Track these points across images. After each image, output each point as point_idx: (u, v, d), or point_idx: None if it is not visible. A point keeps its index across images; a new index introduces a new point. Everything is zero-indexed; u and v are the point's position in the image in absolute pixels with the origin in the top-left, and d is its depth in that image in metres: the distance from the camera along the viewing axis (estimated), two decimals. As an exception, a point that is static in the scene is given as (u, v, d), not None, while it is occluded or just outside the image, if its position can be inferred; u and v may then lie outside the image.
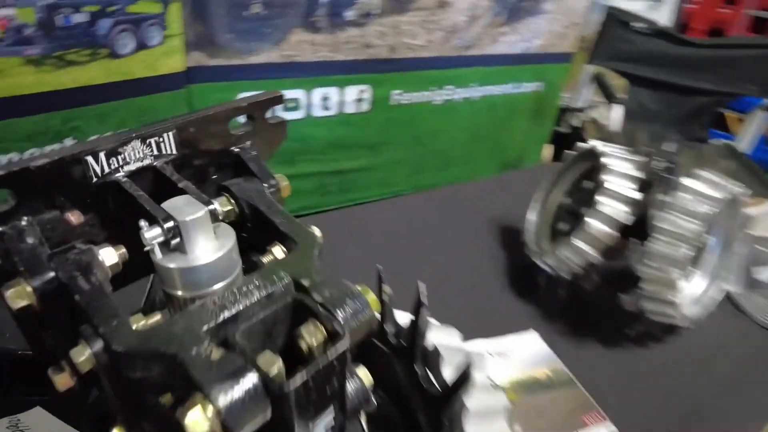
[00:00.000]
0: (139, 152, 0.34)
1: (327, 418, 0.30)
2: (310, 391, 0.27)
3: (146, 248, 0.31)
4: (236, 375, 0.24)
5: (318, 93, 1.41)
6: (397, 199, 1.16)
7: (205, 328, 0.27)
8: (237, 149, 0.40)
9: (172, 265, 0.30)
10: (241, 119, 0.41)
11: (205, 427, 0.22)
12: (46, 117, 1.00)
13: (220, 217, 0.33)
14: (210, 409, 0.23)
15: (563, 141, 1.93)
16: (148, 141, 0.34)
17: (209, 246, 0.31)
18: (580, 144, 0.83)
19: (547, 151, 1.98)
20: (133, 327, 0.28)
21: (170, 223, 0.30)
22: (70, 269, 0.30)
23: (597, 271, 0.76)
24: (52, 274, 0.29)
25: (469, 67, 1.65)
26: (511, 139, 1.86)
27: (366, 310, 0.29)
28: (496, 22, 1.62)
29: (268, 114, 0.42)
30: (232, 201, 0.37)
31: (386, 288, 0.42)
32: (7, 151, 0.98)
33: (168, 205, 0.31)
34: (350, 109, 1.48)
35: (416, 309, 0.40)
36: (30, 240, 0.31)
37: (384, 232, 0.97)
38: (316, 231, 0.36)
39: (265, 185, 0.39)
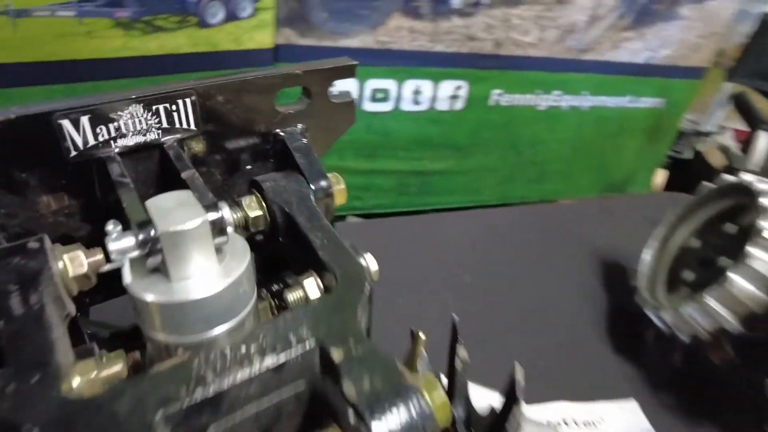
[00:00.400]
0: (140, 122, 0.25)
1: None
2: None
3: (109, 265, 0.21)
4: None
5: (410, 85, 1.30)
6: (481, 211, 1.02)
7: (159, 415, 0.16)
8: (283, 133, 0.29)
9: (147, 296, 0.20)
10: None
11: None
12: (130, 82, 0.97)
13: (233, 227, 0.23)
14: None
15: (680, 168, 1.69)
16: (154, 108, 0.25)
17: (206, 272, 0.21)
18: (726, 176, 0.66)
19: (659, 177, 1.75)
20: (73, 384, 0.19)
21: (148, 233, 0.20)
22: (5, 280, 0.21)
23: (732, 341, 0.59)
24: None
25: (581, 73, 1.47)
26: (619, 159, 1.65)
27: (424, 425, 0.17)
28: (620, 25, 1.43)
29: (333, 90, 0.31)
30: (263, 204, 0.27)
31: (461, 351, 0.30)
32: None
33: (155, 203, 0.21)
34: (443, 105, 1.36)
35: (507, 401, 0.27)
36: None
37: (462, 248, 0.85)
38: (370, 262, 0.25)
39: (312, 187, 0.28)
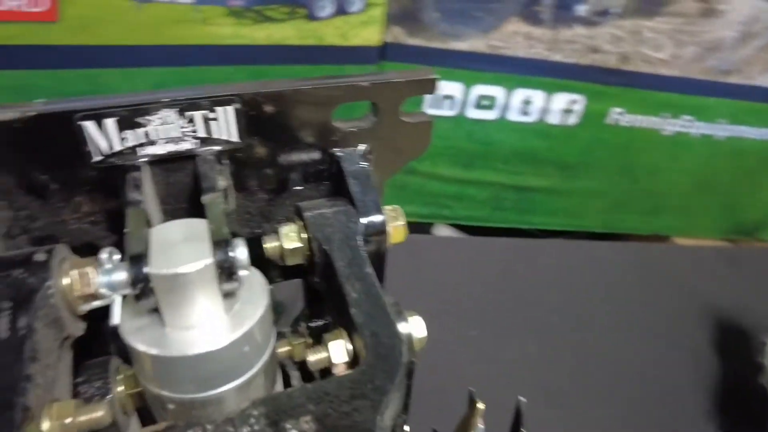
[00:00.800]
0: (174, 128, 0.21)
1: None
2: None
3: (98, 302, 0.18)
4: None
5: (520, 94, 1.22)
6: (582, 243, 0.92)
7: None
8: (341, 153, 0.25)
9: (136, 344, 0.17)
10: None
11: None
12: (235, 70, 0.99)
13: (247, 269, 0.19)
14: None
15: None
16: (188, 114, 0.21)
17: (209, 322, 0.17)
18: None
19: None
20: (43, 427, 0.16)
21: (140, 270, 0.16)
22: (1, 296, 0.19)
23: None
24: None
25: (720, 98, 1.29)
26: (753, 200, 1.44)
27: None
28: (779, 46, 1.23)
29: (413, 105, 0.26)
30: (303, 235, 0.23)
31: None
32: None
33: (160, 233, 0.18)
34: (554, 119, 1.26)
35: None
36: None
37: (554, 282, 0.76)
38: (416, 328, 0.20)
39: (363, 222, 0.23)
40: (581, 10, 1.12)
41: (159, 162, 0.22)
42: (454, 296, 0.75)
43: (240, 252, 0.18)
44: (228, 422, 0.16)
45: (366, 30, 1.05)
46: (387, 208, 0.24)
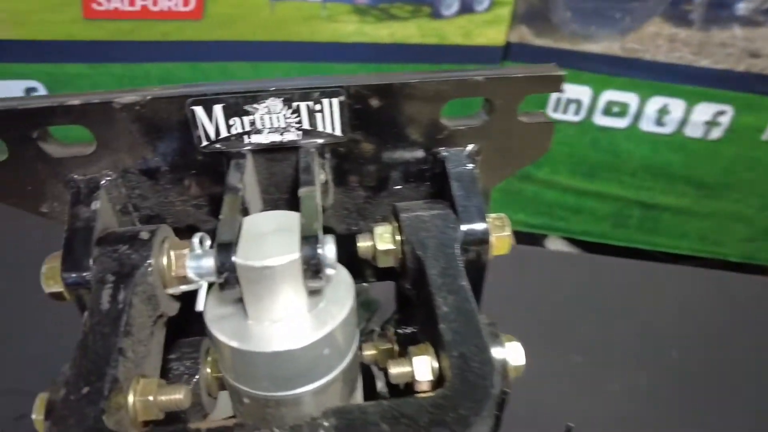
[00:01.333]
0: (278, 119, 0.21)
1: None
2: None
3: (184, 287, 0.18)
4: None
5: (656, 102, 1.11)
6: (719, 274, 0.81)
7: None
8: (446, 153, 0.23)
9: (217, 333, 0.17)
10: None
11: None
12: (358, 68, 1.01)
13: (334, 268, 0.17)
14: None
15: None
16: (294, 105, 0.21)
17: (292, 319, 0.17)
18: None
19: None
20: (129, 400, 0.16)
21: (227, 258, 0.16)
22: (107, 268, 0.19)
23: None
24: (85, 274, 0.19)
25: None
26: None
27: None
28: None
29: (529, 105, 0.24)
30: (398, 237, 0.21)
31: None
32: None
33: (252, 222, 0.18)
34: (694, 131, 1.13)
35: None
36: (94, 205, 0.21)
37: (680, 313, 0.68)
38: (512, 355, 0.18)
39: (462, 229, 0.21)
40: (741, 8, 0.99)
41: (262, 151, 0.22)
42: (561, 317, 0.69)
43: (328, 249, 0.17)
44: (296, 430, 0.15)
45: (491, 29, 1.02)
46: (492, 216, 0.22)
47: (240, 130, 0.21)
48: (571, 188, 1.23)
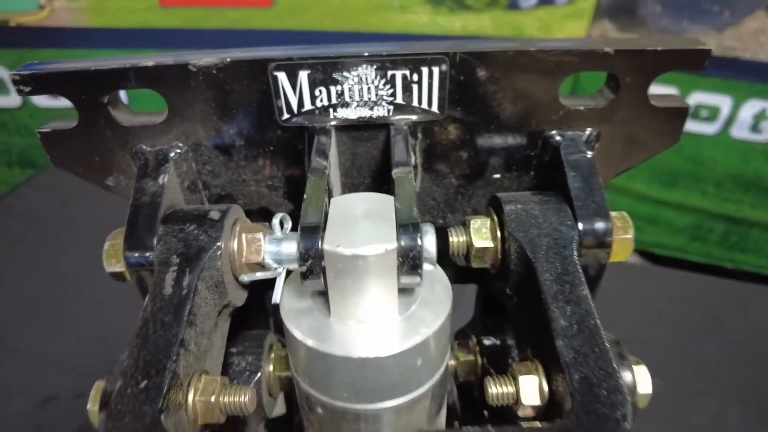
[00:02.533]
0: (370, 90, 0.18)
1: None
2: None
3: (261, 274, 0.16)
4: None
5: (752, 106, 1.01)
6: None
7: None
8: (560, 137, 0.20)
9: (296, 331, 0.14)
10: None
11: None
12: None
13: (434, 264, 0.15)
14: None
15: None
16: (390, 73, 0.18)
17: (379, 321, 0.14)
18: None
19: None
20: (189, 398, 0.14)
21: (313, 244, 0.13)
22: (172, 248, 0.17)
23: None
24: (148, 254, 0.17)
25: None
26: None
27: None
28: None
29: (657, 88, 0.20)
30: (499, 233, 0.18)
31: None
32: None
33: (340, 204, 0.15)
34: (794, 141, 1.02)
35: None
36: (162, 179, 0.19)
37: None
38: (641, 379, 0.15)
39: (581, 227, 0.18)
40: None
41: (348, 128, 0.19)
42: (634, 334, 0.63)
43: (428, 241, 0.14)
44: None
45: (571, 23, 0.96)
46: (613, 214, 0.19)
47: (326, 103, 0.18)
48: (647, 196, 1.15)
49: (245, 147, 0.20)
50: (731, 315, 0.68)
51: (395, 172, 0.16)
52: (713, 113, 1.02)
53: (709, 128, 1.04)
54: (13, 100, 0.97)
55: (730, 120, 1.03)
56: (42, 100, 0.98)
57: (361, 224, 0.14)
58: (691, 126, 1.05)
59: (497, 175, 0.21)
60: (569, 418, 0.14)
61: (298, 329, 0.14)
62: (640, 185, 1.14)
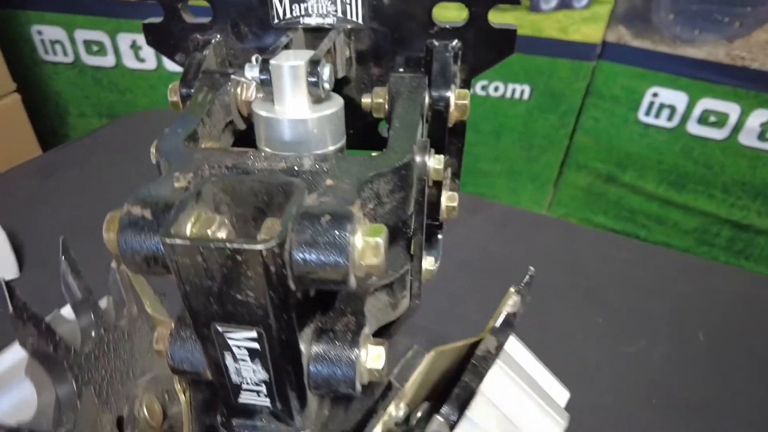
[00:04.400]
0: (323, 6, 0.32)
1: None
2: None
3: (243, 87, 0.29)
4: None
5: (760, 115, 1.07)
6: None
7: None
8: (436, 44, 0.32)
9: (257, 110, 0.27)
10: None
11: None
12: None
13: (330, 85, 0.27)
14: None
15: None
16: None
17: (298, 107, 0.27)
18: None
19: None
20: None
21: (265, 63, 0.27)
22: (202, 85, 0.31)
23: None
24: (192, 89, 0.31)
25: None
26: None
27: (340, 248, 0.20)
28: None
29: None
30: (387, 96, 0.31)
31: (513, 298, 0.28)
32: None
33: (290, 51, 0.28)
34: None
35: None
36: (205, 52, 0.33)
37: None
38: (433, 162, 0.27)
39: (435, 95, 0.30)
40: None
41: (310, 30, 0.33)
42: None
43: (326, 69, 0.27)
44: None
45: (588, 26, 1.05)
46: (460, 91, 0.31)
47: (298, 14, 0.32)
48: (657, 197, 1.22)
49: (252, 40, 0.34)
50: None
51: (321, 45, 0.30)
52: (721, 120, 1.09)
53: (718, 134, 1.11)
54: (108, 60, 1.18)
55: (738, 127, 1.09)
56: (130, 63, 1.18)
57: (292, 56, 0.27)
58: (700, 131, 1.12)
59: (401, 70, 0.34)
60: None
61: (258, 108, 0.27)
62: (650, 185, 1.21)
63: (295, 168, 0.25)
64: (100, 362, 0.29)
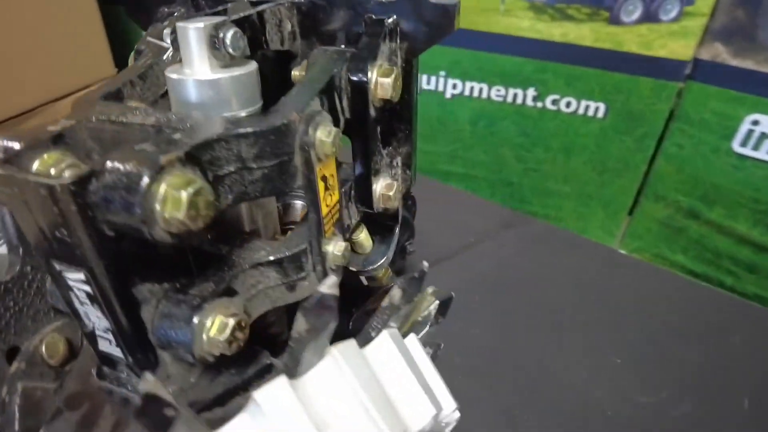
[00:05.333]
0: None
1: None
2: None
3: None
4: None
5: None
6: None
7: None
8: (374, 17, 0.31)
9: (168, 74, 0.28)
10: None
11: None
12: (523, 62, 1.05)
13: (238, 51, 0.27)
14: None
15: None
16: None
17: (204, 69, 0.27)
18: None
19: None
20: None
21: (175, 28, 0.27)
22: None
23: None
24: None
25: None
26: None
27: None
28: None
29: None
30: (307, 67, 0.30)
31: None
32: (479, 80, 1.11)
33: (213, 18, 0.28)
34: None
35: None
36: (165, 23, 0.34)
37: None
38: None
39: (351, 67, 0.29)
40: None
41: (253, 2, 0.33)
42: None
43: (228, 34, 0.26)
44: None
45: (676, 42, 0.95)
46: (385, 65, 0.29)
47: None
48: (749, 240, 1.07)
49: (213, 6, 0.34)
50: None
51: (241, 6, 0.29)
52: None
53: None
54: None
55: None
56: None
57: (204, 19, 0.27)
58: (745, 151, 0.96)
59: (342, 46, 0.32)
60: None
61: (169, 72, 0.28)
62: (741, 225, 1.06)
63: (161, 122, 0.25)
64: (13, 295, 0.30)
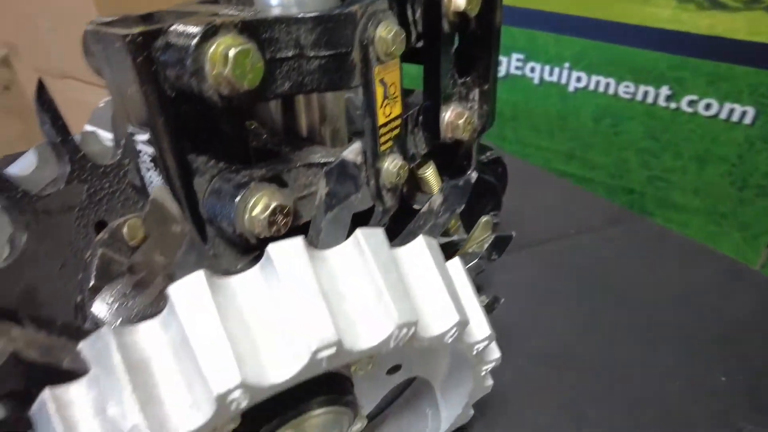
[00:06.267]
0: None
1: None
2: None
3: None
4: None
5: None
6: None
7: None
8: None
9: None
10: None
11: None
12: (658, 56, 0.96)
13: None
14: None
15: None
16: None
17: None
18: None
19: None
20: None
21: None
22: None
23: None
24: None
25: None
26: None
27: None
28: None
29: None
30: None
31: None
32: (606, 74, 1.03)
33: None
34: None
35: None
36: None
37: None
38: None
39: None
40: None
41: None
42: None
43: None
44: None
45: None
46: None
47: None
48: None
49: None
50: None
51: None
52: None
53: None
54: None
55: None
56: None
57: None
58: None
59: None
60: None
61: None
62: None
63: (230, 10, 0.26)
64: (109, 178, 0.34)
